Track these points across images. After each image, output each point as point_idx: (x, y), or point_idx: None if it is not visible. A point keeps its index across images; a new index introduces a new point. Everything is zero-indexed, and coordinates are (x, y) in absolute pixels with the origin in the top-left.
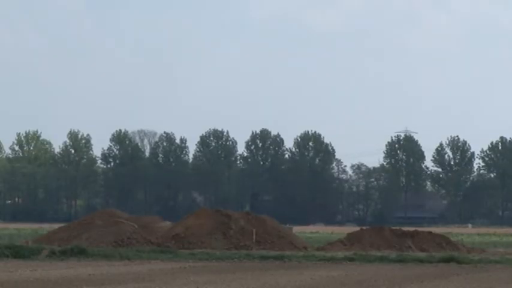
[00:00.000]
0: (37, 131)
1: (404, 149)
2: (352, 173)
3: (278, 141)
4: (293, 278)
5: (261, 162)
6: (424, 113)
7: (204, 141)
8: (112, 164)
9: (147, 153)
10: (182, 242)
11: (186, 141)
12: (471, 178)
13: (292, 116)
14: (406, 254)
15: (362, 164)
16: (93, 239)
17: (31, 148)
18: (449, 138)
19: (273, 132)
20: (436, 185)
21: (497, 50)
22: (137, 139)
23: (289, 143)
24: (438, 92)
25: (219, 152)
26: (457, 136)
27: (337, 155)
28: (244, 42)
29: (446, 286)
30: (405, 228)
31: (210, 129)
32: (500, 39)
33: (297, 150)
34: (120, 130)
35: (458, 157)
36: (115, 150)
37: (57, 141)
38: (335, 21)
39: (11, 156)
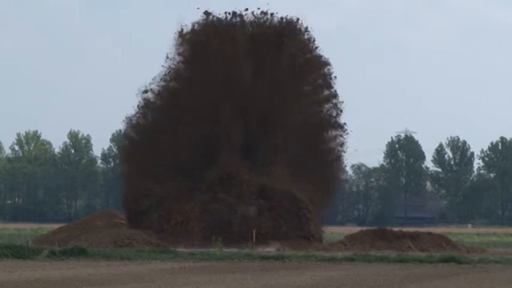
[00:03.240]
0: (37, 131)
1: (404, 149)
2: (352, 173)
3: None
4: (293, 278)
5: None
6: (424, 113)
7: None
8: (112, 164)
9: None
10: (181, 241)
11: None
12: (471, 178)
13: None
14: (406, 254)
15: (362, 164)
16: (92, 240)
17: (31, 148)
18: (449, 138)
19: None
20: (436, 185)
21: (497, 50)
22: None
23: None
24: (438, 92)
25: None
26: (457, 136)
27: None
28: None
29: (446, 286)
30: (405, 229)
31: None
32: (500, 39)
33: None
34: (120, 130)
35: (458, 157)
36: (115, 150)
37: (57, 141)
38: (335, 21)
39: (11, 156)
